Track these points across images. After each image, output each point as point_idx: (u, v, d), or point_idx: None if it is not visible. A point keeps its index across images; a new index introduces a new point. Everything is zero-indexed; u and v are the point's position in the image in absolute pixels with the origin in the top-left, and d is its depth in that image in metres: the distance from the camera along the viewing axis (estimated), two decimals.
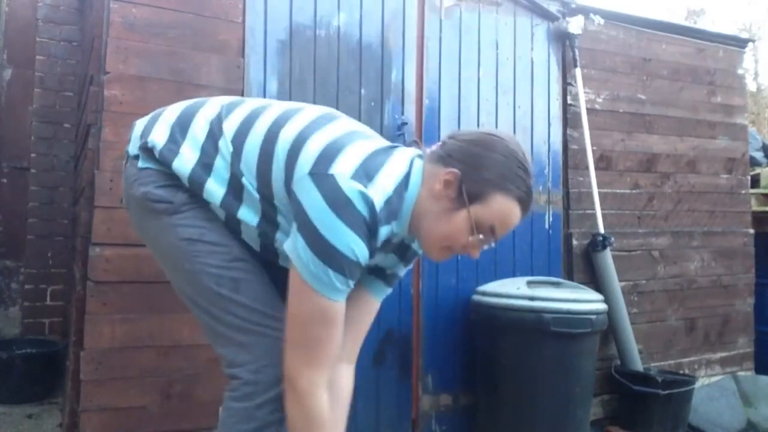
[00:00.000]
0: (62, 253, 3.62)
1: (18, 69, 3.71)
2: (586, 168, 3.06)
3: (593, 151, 3.08)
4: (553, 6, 3.07)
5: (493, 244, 1.34)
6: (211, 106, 1.44)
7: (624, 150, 3.26)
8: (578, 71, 3.07)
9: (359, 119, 2.54)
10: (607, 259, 3.01)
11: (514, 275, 2.81)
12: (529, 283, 2.59)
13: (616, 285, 3.01)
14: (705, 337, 3.47)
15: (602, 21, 3.24)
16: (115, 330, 2.10)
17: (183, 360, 2.19)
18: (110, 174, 2.11)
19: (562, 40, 3.09)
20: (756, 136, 4.51)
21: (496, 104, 2.89)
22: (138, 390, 2.12)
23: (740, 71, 3.74)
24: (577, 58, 3.06)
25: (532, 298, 2.47)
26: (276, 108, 1.40)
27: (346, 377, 1.49)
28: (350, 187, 1.19)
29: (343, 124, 1.36)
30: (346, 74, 2.54)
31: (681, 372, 3.28)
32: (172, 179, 1.39)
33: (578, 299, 2.53)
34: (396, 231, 1.32)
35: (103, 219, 2.09)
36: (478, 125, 2.82)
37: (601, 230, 3.04)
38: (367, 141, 1.32)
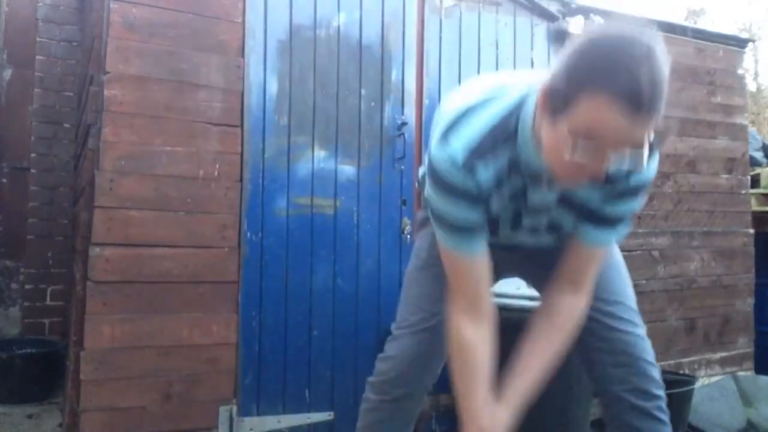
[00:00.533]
0: (62, 253, 3.62)
1: (18, 69, 3.71)
2: None
3: None
4: (553, 6, 3.07)
5: (626, 165, 1.08)
6: None
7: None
8: None
9: (359, 119, 2.55)
10: None
11: None
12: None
13: None
14: (705, 337, 3.47)
15: (602, 21, 3.24)
16: (115, 330, 2.10)
17: (183, 360, 2.19)
18: (110, 174, 2.11)
19: (562, 40, 3.09)
20: (756, 136, 4.50)
21: None
22: (138, 390, 2.13)
23: (740, 71, 3.74)
24: None
25: (531, 298, 2.47)
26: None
27: (561, 302, 1.43)
28: (437, 155, 1.24)
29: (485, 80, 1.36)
30: (346, 74, 2.54)
31: (681, 372, 3.27)
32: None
33: None
34: (526, 157, 1.22)
35: (103, 219, 2.09)
36: None
37: None
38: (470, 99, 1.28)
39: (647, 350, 1.47)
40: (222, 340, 2.26)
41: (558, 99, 1.07)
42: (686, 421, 2.98)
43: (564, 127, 1.07)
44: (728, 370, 3.53)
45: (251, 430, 2.31)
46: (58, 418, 2.84)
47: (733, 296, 3.59)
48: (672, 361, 3.31)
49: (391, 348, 1.61)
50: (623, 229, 1.42)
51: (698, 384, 3.11)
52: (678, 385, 2.90)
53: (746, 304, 3.64)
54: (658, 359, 3.27)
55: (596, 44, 1.07)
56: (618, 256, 1.58)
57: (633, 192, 1.32)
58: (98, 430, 2.07)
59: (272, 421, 2.36)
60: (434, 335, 1.52)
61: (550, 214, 1.36)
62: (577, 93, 1.04)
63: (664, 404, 1.50)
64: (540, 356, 1.45)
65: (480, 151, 1.22)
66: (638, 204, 1.36)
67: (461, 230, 1.30)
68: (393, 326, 1.64)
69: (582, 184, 1.19)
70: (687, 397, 2.93)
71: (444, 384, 2.79)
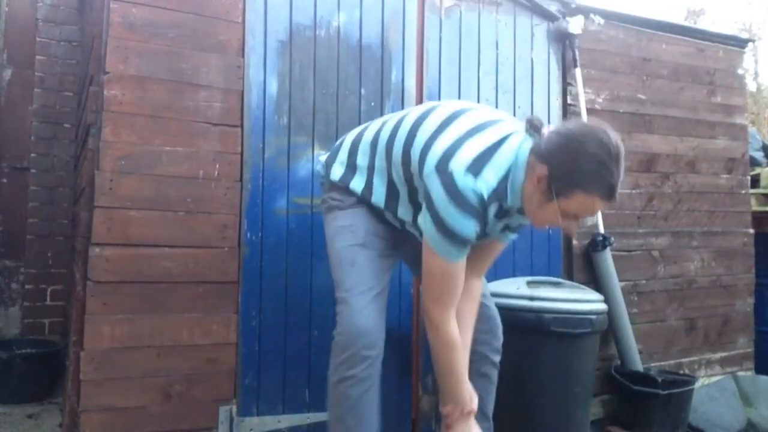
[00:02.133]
0: (62, 253, 3.62)
1: (18, 69, 3.71)
2: None
3: None
4: (553, 6, 3.07)
5: (589, 222, 1.72)
6: (372, 128, 1.94)
7: (624, 150, 3.25)
8: (578, 71, 3.07)
9: (359, 119, 2.55)
10: (607, 259, 3.01)
11: (514, 275, 2.81)
12: (529, 283, 2.59)
13: (616, 285, 3.01)
14: (705, 337, 3.47)
15: (602, 21, 3.24)
16: (115, 330, 2.10)
17: (183, 360, 2.19)
18: (110, 174, 2.11)
19: (562, 40, 3.09)
20: (756, 136, 4.50)
21: (496, 104, 2.89)
22: (138, 390, 2.13)
23: (740, 71, 3.74)
24: (577, 58, 3.06)
25: (532, 298, 2.47)
26: (413, 114, 1.82)
27: (476, 285, 1.91)
28: (464, 183, 1.57)
29: (464, 121, 1.70)
30: (346, 74, 2.54)
31: (681, 372, 3.27)
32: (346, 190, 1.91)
33: (578, 299, 2.53)
34: (509, 205, 1.67)
35: (103, 219, 2.09)
36: None
37: (601, 230, 3.04)
38: (482, 135, 1.65)
39: (499, 319, 2.08)
40: (222, 340, 2.26)
41: (556, 188, 1.54)
42: (686, 421, 2.98)
43: (557, 206, 1.56)
44: (728, 370, 3.53)
45: (251, 430, 2.31)
46: (58, 418, 2.84)
47: (733, 296, 3.59)
48: (672, 361, 3.32)
49: (356, 314, 1.79)
50: (516, 235, 1.94)
51: (698, 384, 3.11)
52: (678, 385, 2.90)
53: (746, 304, 3.64)
54: (658, 359, 3.30)
55: (587, 152, 1.51)
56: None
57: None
58: (98, 430, 2.07)
59: (272, 421, 2.36)
60: (384, 300, 1.87)
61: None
62: (572, 189, 1.53)
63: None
64: (470, 331, 1.89)
65: (492, 199, 1.63)
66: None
67: (465, 244, 1.65)
68: (345, 292, 1.83)
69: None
70: (687, 397, 2.93)
71: None
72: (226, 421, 2.26)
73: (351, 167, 1.92)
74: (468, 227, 1.60)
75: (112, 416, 2.09)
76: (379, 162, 1.85)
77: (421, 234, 1.76)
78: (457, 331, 1.76)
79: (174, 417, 2.18)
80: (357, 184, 1.89)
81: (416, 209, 1.78)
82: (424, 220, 1.67)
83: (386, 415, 2.57)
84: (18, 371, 3.08)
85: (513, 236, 1.91)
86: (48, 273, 3.62)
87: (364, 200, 1.89)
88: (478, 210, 1.60)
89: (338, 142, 2.05)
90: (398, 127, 1.82)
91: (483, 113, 1.76)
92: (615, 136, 1.55)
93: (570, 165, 1.52)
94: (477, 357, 1.99)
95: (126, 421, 2.11)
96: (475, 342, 1.96)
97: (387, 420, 2.58)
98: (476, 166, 1.59)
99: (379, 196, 1.86)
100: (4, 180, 3.65)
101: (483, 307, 1.98)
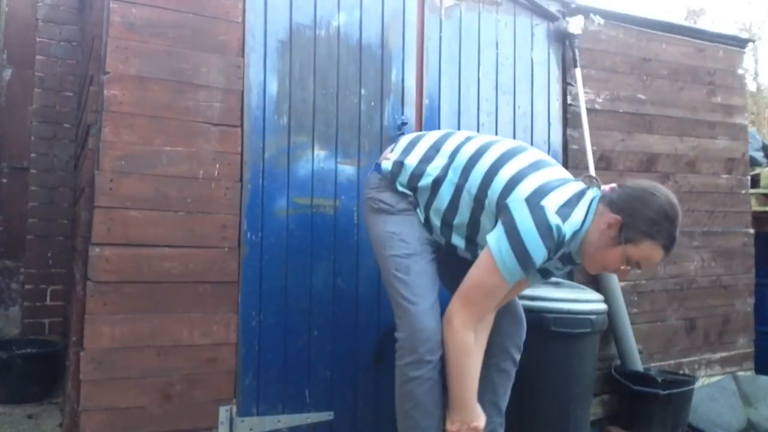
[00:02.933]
0: (62, 253, 3.62)
1: (18, 69, 3.71)
2: (586, 168, 3.06)
3: (593, 151, 3.08)
4: (553, 6, 3.07)
5: (638, 270, 1.90)
6: (451, 141, 2.01)
7: (624, 150, 3.26)
8: (578, 71, 3.07)
9: (359, 119, 2.55)
10: None
11: None
12: None
13: (616, 285, 3.01)
14: (705, 337, 3.47)
15: (602, 21, 3.24)
16: (115, 330, 2.10)
17: (183, 360, 2.19)
18: (110, 174, 2.11)
19: (562, 40, 3.09)
20: (756, 136, 4.50)
21: (496, 104, 2.89)
22: (138, 390, 2.13)
23: (740, 71, 3.74)
24: (577, 58, 3.06)
25: (532, 298, 2.47)
26: (498, 148, 1.92)
27: (492, 314, 2.03)
28: (553, 220, 1.71)
29: (551, 172, 1.85)
30: (346, 74, 2.54)
31: (681, 372, 3.28)
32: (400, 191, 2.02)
33: (578, 299, 2.53)
34: (571, 249, 1.83)
35: (103, 219, 2.09)
36: (478, 125, 2.82)
37: None
38: (568, 186, 1.81)
39: (524, 320, 2.17)
40: (222, 340, 2.26)
41: (627, 236, 1.72)
42: (686, 421, 2.99)
43: (623, 251, 1.74)
44: (728, 370, 3.53)
45: (251, 430, 2.31)
46: (58, 418, 2.84)
47: (733, 296, 3.59)
48: (672, 361, 3.32)
49: (418, 321, 1.91)
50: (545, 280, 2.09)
51: (698, 384, 3.11)
52: (678, 385, 2.90)
53: (746, 304, 3.65)
54: (658, 359, 3.30)
55: (659, 205, 1.72)
56: None
57: (572, 264, 1.96)
58: (98, 430, 2.07)
59: (272, 421, 2.36)
60: (438, 305, 1.97)
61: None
62: (643, 238, 1.72)
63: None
64: (481, 355, 2.01)
65: (569, 241, 1.79)
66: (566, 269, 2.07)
67: (529, 268, 1.76)
68: (404, 299, 1.94)
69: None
70: (687, 397, 2.93)
71: (444, 383, 2.78)
72: (226, 421, 2.26)
73: (419, 172, 1.98)
74: (540, 255, 1.73)
75: (112, 416, 2.09)
76: (453, 175, 1.93)
77: (466, 248, 1.97)
78: (473, 343, 1.86)
79: (174, 417, 2.18)
80: (424, 183, 1.97)
81: (472, 224, 1.92)
82: (497, 238, 1.75)
83: (386, 415, 2.58)
84: (18, 371, 3.08)
85: (542, 280, 2.04)
86: (48, 273, 3.62)
87: (417, 206, 2.01)
88: (554, 246, 1.74)
89: (405, 145, 2.08)
90: (483, 151, 1.92)
91: (561, 170, 1.93)
92: (674, 196, 1.76)
93: (643, 215, 1.71)
94: (499, 351, 2.12)
95: (126, 421, 2.11)
96: (500, 337, 2.10)
97: (387, 419, 2.59)
98: (564, 211, 1.75)
99: (441, 204, 1.95)
100: (4, 180, 3.65)
101: (512, 305, 2.12)
